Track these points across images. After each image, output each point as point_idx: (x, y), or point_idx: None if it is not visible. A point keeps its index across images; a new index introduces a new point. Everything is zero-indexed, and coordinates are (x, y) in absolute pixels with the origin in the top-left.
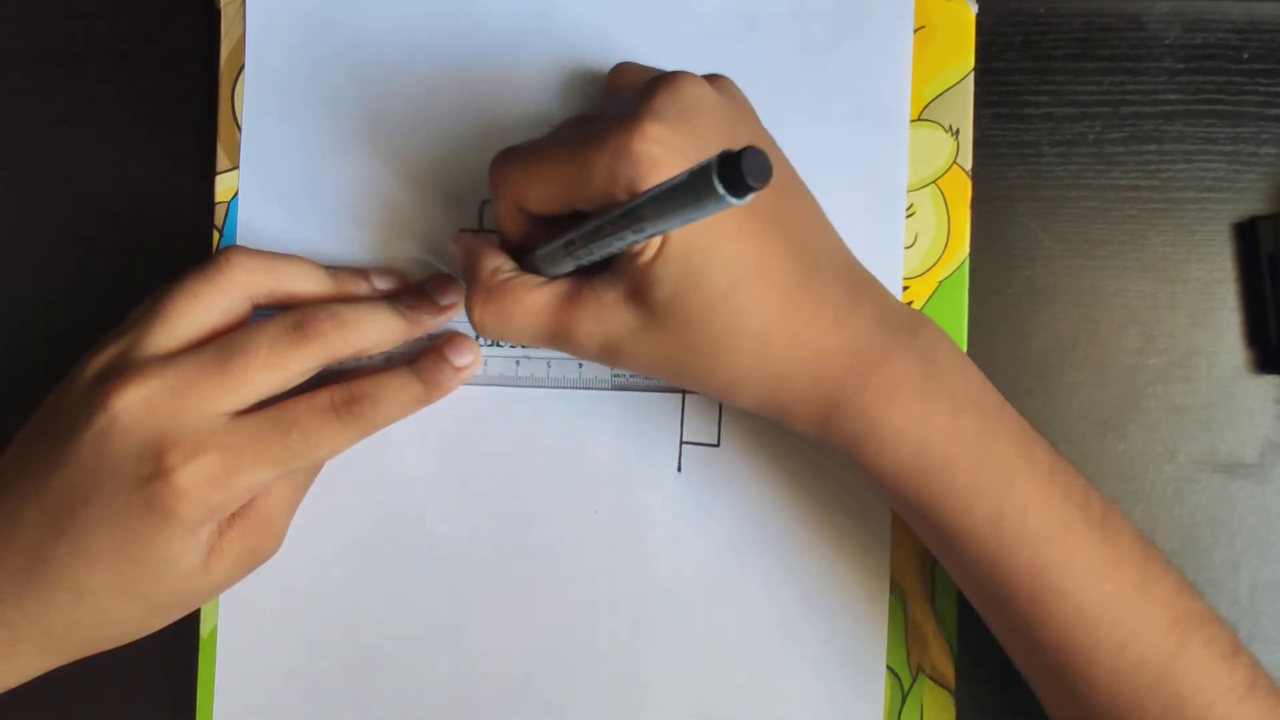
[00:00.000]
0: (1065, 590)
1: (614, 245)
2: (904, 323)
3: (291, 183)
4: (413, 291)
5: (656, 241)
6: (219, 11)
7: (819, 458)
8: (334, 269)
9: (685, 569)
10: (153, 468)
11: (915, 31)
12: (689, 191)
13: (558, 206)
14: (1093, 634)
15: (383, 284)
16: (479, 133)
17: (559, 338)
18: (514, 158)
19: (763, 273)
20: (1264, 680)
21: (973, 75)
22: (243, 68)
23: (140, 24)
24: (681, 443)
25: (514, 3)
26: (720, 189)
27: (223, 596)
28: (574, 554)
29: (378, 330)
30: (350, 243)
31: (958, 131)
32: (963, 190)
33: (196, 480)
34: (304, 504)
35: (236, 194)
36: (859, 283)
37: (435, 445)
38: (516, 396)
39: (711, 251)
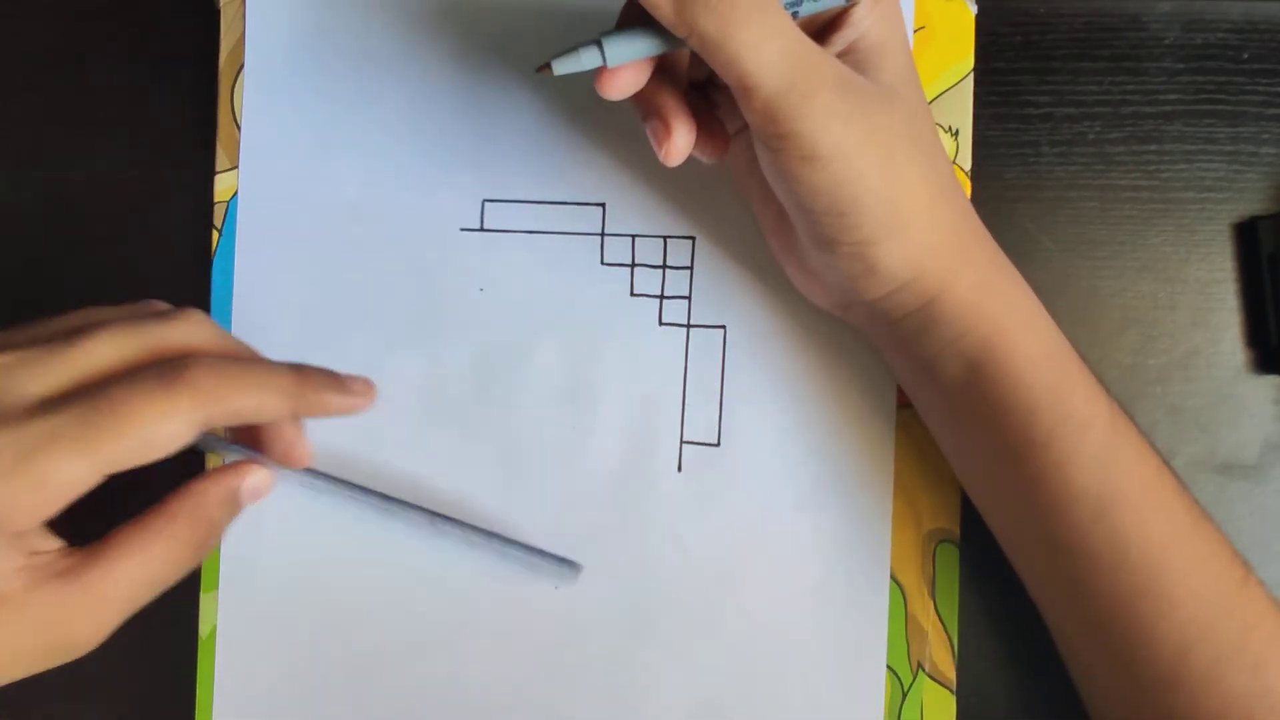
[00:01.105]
0: (1163, 501)
1: None
2: None
3: (291, 182)
4: (318, 367)
5: (872, 31)
6: (219, 11)
7: (819, 458)
8: (302, 373)
9: (685, 568)
10: None
11: (915, 31)
12: None
13: None
14: (1180, 550)
15: (357, 389)
16: (479, 130)
17: (804, 59)
18: None
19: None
20: None
21: (972, 75)
22: (242, 67)
23: (140, 24)
24: (681, 443)
25: None
26: None
27: (222, 597)
28: (574, 554)
29: (254, 391)
30: (349, 242)
31: (957, 132)
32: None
33: None
34: (304, 505)
35: (236, 194)
36: None
37: (435, 446)
38: (516, 396)
39: (915, 78)
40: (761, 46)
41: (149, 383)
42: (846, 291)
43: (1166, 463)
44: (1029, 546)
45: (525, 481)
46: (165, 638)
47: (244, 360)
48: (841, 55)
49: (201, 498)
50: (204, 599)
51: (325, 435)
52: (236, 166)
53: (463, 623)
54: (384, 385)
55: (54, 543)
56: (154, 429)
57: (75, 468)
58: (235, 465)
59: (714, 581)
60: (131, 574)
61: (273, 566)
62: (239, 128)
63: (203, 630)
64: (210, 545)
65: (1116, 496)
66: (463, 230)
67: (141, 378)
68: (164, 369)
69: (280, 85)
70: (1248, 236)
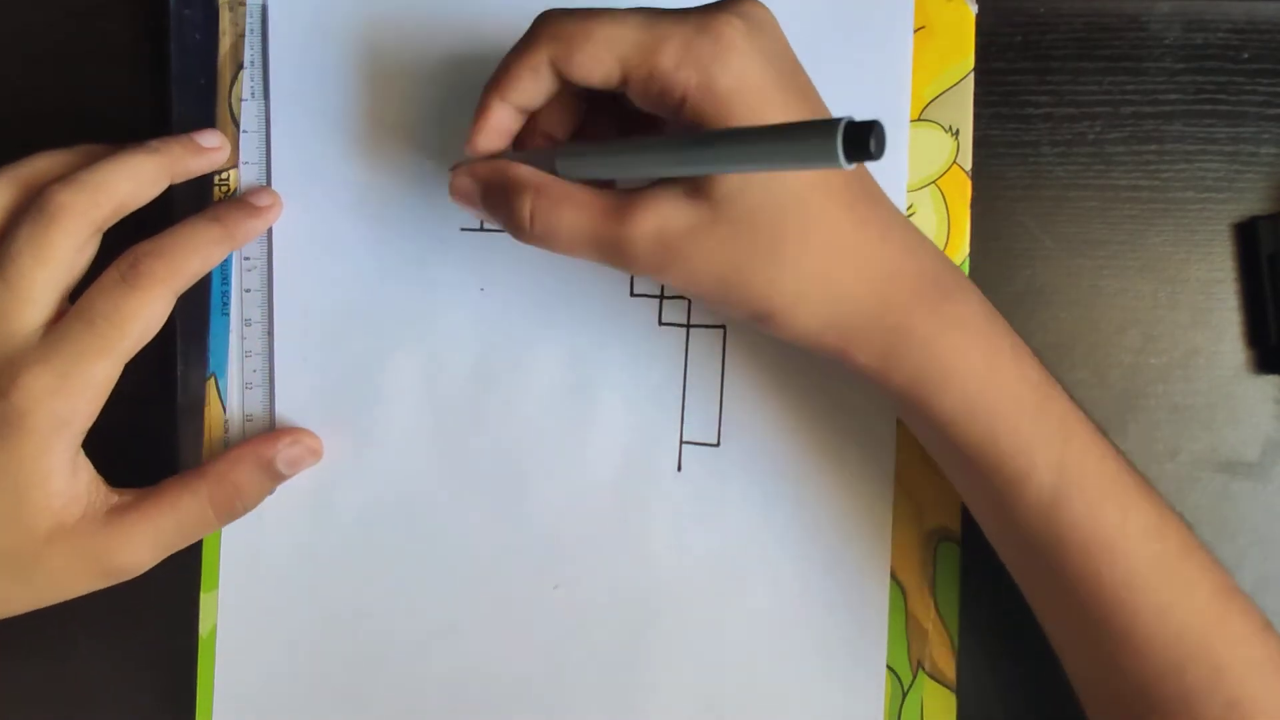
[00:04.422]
0: (1118, 548)
1: (680, 168)
2: (958, 267)
3: (290, 181)
4: (225, 202)
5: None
6: (218, 11)
7: (819, 457)
8: (83, 147)
9: (685, 568)
10: None
11: (915, 31)
12: (802, 139)
13: (606, 76)
14: (1139, 594)
15: (209, 141)
16: None
17: (610, 241)
18: (573, 14)
19: (833, 184)
20: None
21: (973, 75)
22: (241, 67)
23: (140, 24)
24: (681, 443)
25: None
26: (839, 148)
27: (222, 596)
28: (574, 554)
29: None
30: (350, 241)
31: (958, 131)
32: (963, 190)
33: (34, 393)
34: (303, 504)
35: (234, 192)
36: (912, 223)
37: (435, 445)
38: (516, 396)
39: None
40: (570, 234)
41: (120, 288)
42: None
43: (1135, 469)
44: (1006, 550)
45: (525, 481)
46: (165, 638)
47: (178, 229)
48: (686, 117)
49: (232, 464)
50: (204, 599)
51: (327, 435)
52: (236, 165)
53: (463, 622)
54: (384, 385)
55: (103, 488)
56: (147, 317)
57: (105, 366)
58: (269, 435)
59: (714, 581)
60: (160, 523)
61: (273, 566)
62: (238, 127)
63: (203, 630)
64: (237, 508)
65: (1059, 548)
66: (463, 230)
67: (110, 286)
68: (123, 269)
69: (280, 84)
70: (1248, 236)
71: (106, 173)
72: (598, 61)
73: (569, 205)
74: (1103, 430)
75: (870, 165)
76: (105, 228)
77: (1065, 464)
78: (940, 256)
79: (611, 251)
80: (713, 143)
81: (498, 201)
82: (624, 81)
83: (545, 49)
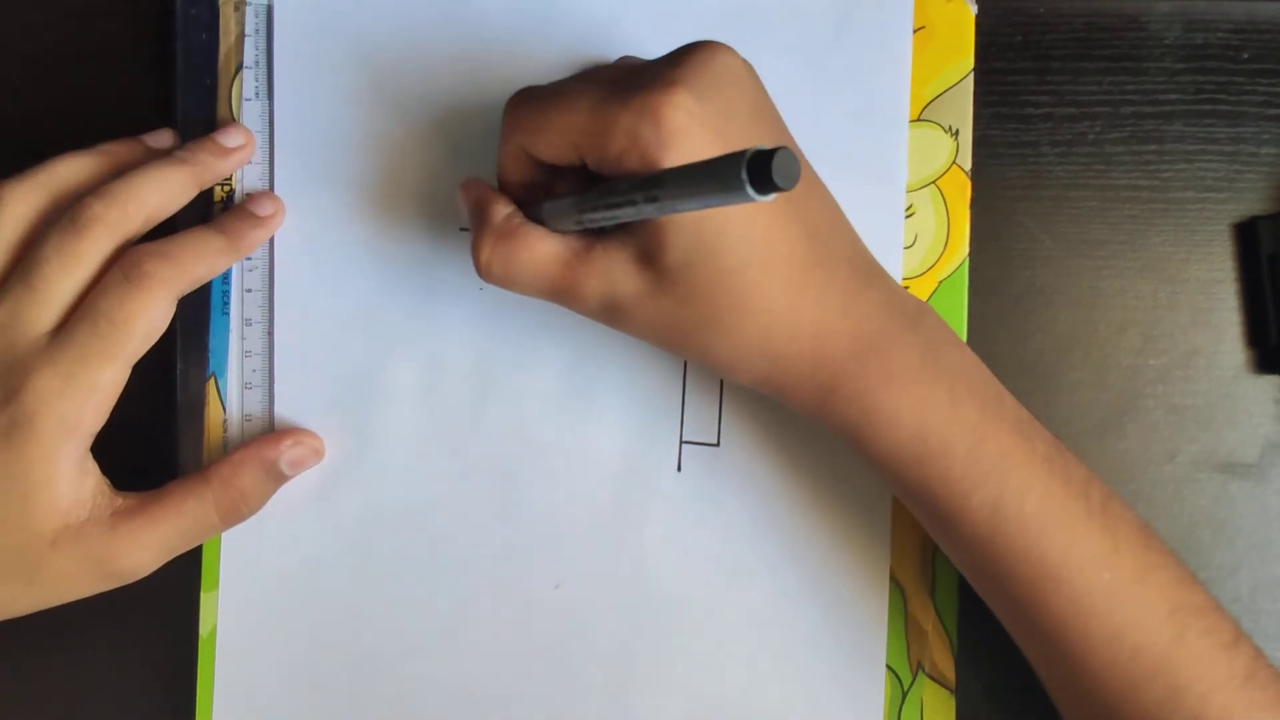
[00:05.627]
0: (1062, 578)
1: (624, 215)
2: (907, 311)
3: (293, 181)
4: (230, 212)
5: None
6: (219, 11)
7: (819, 457)
8: (104, 146)
9: (684, 569)
10: None
11: (915, 31)
12: (713, 177)
13: (567, 158)
14: (1089, 622)
15: (157, 142)
16: (481, 132)
17: (562, 292)
18: (532, 100)
19: (773, 253)
20: (1264, 670)
21: (972, 75)
22: (240, 66)
23: (140, 24)
24: (681, 443)
25: (516, 1)
26: (746, 183)
27: (222, 596)
28: (573, 554)
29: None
30: (351, 241)
31: (957, 132)
32: (962, 190)
33: (43, 396)
34: (304, 504)
35: (232, 191)
36: (866, 269)
37: (435, 445)
38: (516, 396)
39: (725, 227)
40: (525, 280)
41: (123, 287)
42: None
43: (1092, 493)
44: (964, 571)
45: (525, 481)
46: (165, 638)
47: (183, 235)
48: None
49: (235, 468)
50: (204, 599)
51: (326, 435)
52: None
53: (463, 623)
54: (384, 385)
55: (109, 490)
56: (149, 318)
57: (111, 370)
58: (271, 436)
59: (714, 581)
60: (165, 527)
61: (273, 566)
62: None
63: (203, 630)
64: (242, 511)
65: (1005, 581)
66: (462, 230)
67: (113, 286)
68: (126, 268)
69: (283, 85)
70: (1248, 236)
71: (137, 185)
72: (557, 149)
73: (527, 257)
74: (1058, 453)
75: (867, 165)
76: (134, 239)
77: (1000, 502)
78: (884, 304)
79: (564, 302)
80: (637, 189)
81: (472, 231)
82: (583, 162)
83: (515, 139)
